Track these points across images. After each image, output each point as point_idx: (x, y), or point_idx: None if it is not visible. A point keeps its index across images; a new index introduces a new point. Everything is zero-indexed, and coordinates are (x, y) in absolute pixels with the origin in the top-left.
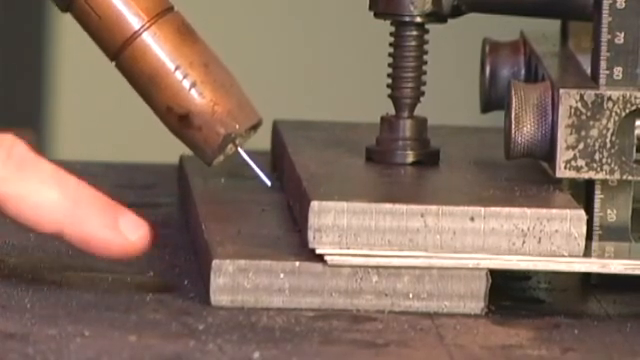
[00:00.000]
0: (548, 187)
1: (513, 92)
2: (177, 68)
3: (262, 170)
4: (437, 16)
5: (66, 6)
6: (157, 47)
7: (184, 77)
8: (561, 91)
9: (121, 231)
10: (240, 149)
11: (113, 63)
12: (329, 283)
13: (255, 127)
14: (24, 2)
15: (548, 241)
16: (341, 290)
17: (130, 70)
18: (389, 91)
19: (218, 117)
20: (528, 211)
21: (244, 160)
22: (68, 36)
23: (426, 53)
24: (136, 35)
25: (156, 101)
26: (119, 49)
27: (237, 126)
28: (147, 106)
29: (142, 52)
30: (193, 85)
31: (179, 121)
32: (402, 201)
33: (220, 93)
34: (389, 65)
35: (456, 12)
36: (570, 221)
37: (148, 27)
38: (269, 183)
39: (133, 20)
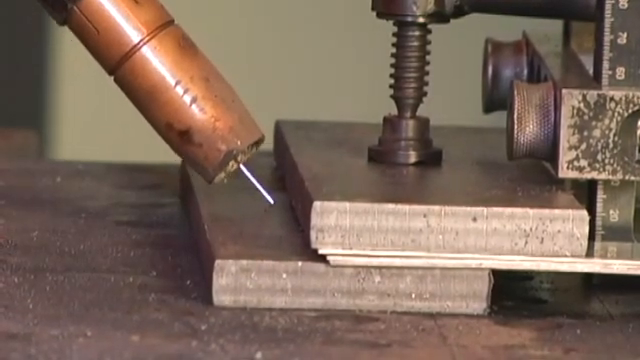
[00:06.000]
0: (550, 187)
1: (515, 92)
2: (178, 83)
3: (264, 187)
4: (439, 16)
5: (63, 19)
6: (157, 61)
7: (185, 92)
8: (564, 91)
9: None
10: (242, 166)
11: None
12: (331, 283)
13: (257, 143)
14: (25, 2)
15: (550, 241)
16: (343, 290)
17: (129, 85)
18: (391, 91)
19: (219, 133)
20: (530, 211)
21: (246, 177)
22: (69, 35)
23: (428, 53)
24: (135, 49)
25: (156, 117)
26: (118, 63)
27: (239, 142)
28: None
29: (141, 66)
30: (194, 100)
31: (179, 137)
32: (404, 201)
33: (221, 108)
34: (391, 65)
35: (458, 12)
36: (572, 221)
37: (148, 41)
38: (272, 201)
39: (132, 33)
